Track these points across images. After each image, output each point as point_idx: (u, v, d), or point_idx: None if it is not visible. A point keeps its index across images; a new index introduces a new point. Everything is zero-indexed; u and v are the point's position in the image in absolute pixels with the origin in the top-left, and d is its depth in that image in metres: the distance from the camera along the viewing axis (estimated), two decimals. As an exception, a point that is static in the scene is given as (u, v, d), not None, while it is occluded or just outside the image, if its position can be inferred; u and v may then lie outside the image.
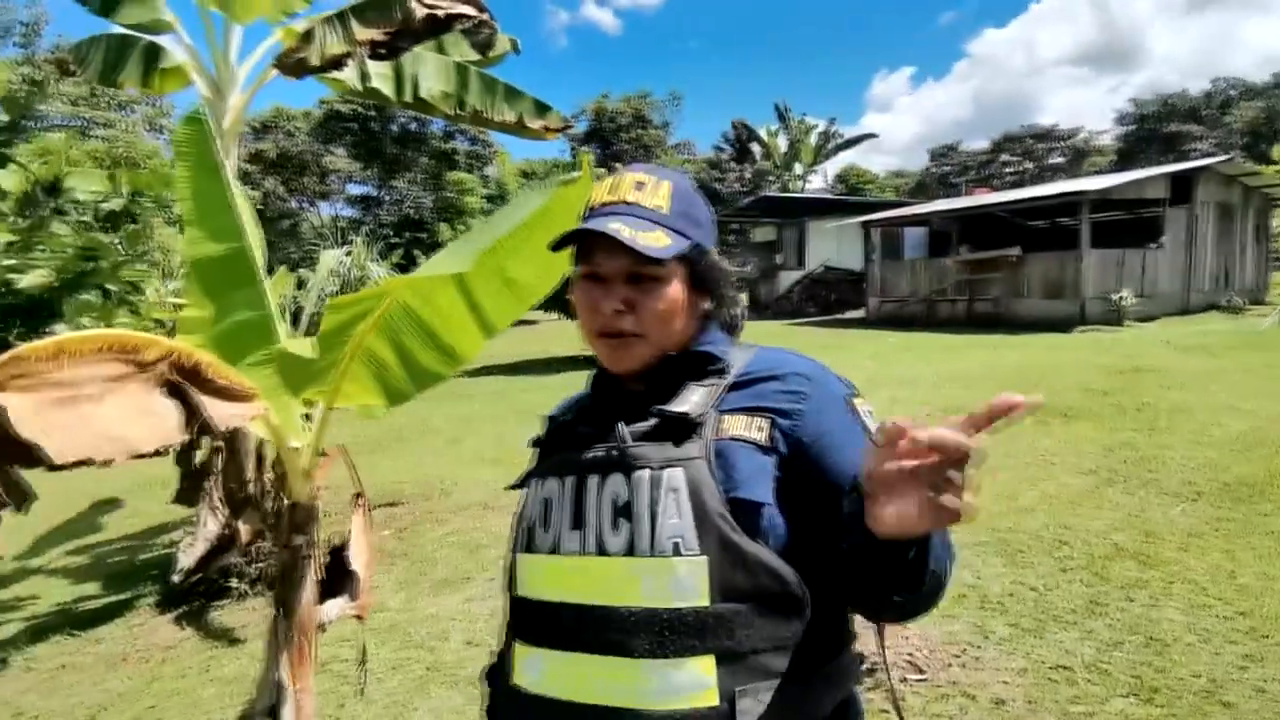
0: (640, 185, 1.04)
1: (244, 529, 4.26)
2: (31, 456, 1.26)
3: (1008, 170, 50.41)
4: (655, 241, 0.97)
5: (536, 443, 1.13)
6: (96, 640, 3.87)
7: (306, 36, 4.59)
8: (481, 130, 35.18)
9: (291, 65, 4.62)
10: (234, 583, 4.24)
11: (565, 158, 40.35)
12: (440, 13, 4.20)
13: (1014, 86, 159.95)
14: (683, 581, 0.87)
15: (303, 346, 1.73)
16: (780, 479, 0.93)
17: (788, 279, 24.69)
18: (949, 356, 11.43)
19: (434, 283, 1.63)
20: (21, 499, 1.26)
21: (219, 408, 1.63)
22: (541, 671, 0.96)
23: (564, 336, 16.80)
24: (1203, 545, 3.98)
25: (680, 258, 1.01)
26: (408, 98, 5.18)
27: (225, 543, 4.27)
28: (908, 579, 0.82)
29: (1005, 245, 17.80)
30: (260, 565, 4.34)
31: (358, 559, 2.17)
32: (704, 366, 1.03)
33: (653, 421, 0.97)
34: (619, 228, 0.96)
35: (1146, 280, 16.44)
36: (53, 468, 1.28)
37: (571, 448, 1.03)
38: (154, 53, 4.74)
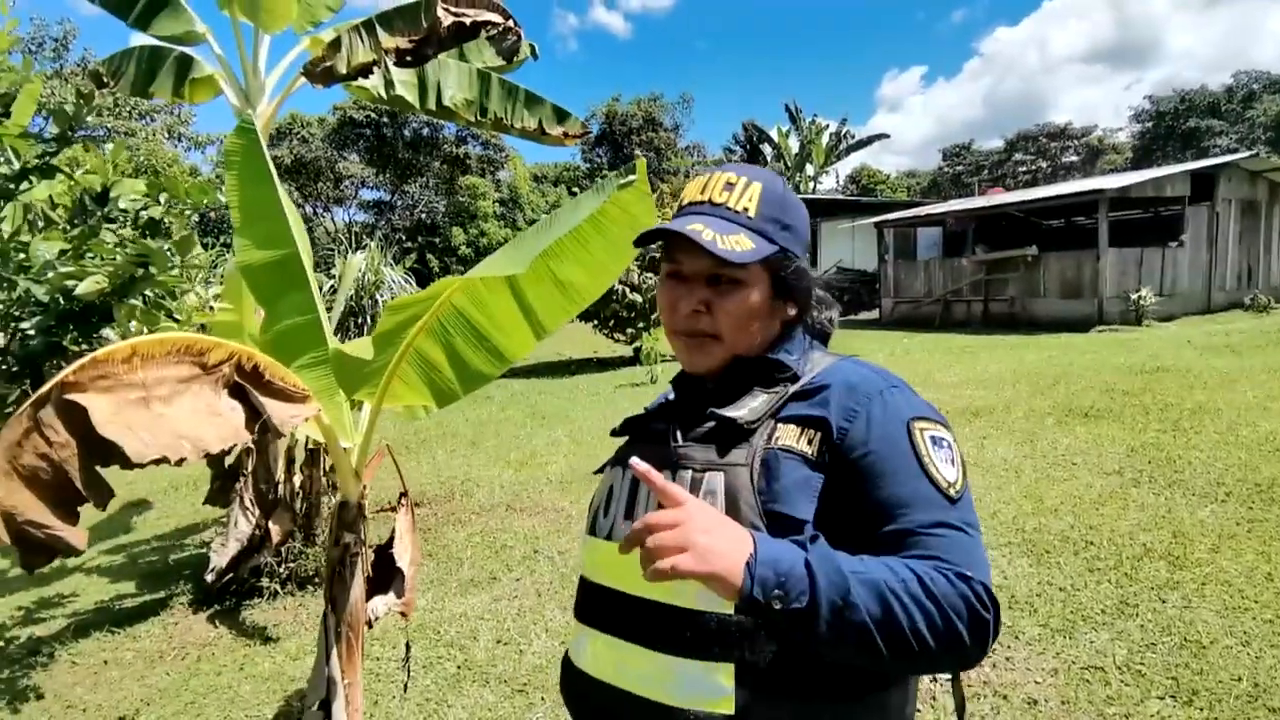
0: (730, 186, 1.03)
1: (275, 529, 4.31)
2: (111, 455, 1.31)
3: (1021, 169, 50.14)
4: (736, 245, 0.96)
5: (617, 432, 1.16)
6: (135, 637, 3.95)
7: (334, 45, 4.66)
8: (494, 135, 35.38)
9: (319, 74, 4.69)
10: (265, 582, 4.30)
11: (576, 161, 40.50)
12: (467, 20, 4.25)
13: (1026, 85, 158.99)
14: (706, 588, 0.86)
15: (359, 348, 1.77)
16: (824, 496, 0.90)
17: (801, 280, 24.61)
18: (966, 358, 11.37)
19: (487, 284, 1.66)
20: (103, 496, 1.30)
21: (278, 409, 1.67)
22: (590, 651, 1.00)
23: (578, 339, 16.87)
24: (1236, 547, 3.96)
25: (764, 262, 1.00)
26: (431, 105, 5.24)
27: (257, 543, 4.33)
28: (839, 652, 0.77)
29: (1021, 245, 17.70)
30: (291, 565, 4.40)
31: (403, 557, 2.21)
32: (773, 373, 1.02)
33: (710, 424, 0.97)
34: (700, 228, 0.96)
35: (1166, 279, 16.31)
36: (130, 466, 1.32)
37: (644, 441, 1.07)
38: (185, 64, 4.83)
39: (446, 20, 4.24)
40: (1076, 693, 2.85)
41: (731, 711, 0.85)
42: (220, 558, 4.19)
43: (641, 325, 13.94)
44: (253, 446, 4.43)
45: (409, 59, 4.35)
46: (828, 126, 36.04)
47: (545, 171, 39.68)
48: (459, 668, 3.49)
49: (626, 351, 15.10)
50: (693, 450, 0.95)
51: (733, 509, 0.88)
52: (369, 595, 2.11)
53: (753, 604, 0.73)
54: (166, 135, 22.82)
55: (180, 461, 1.38)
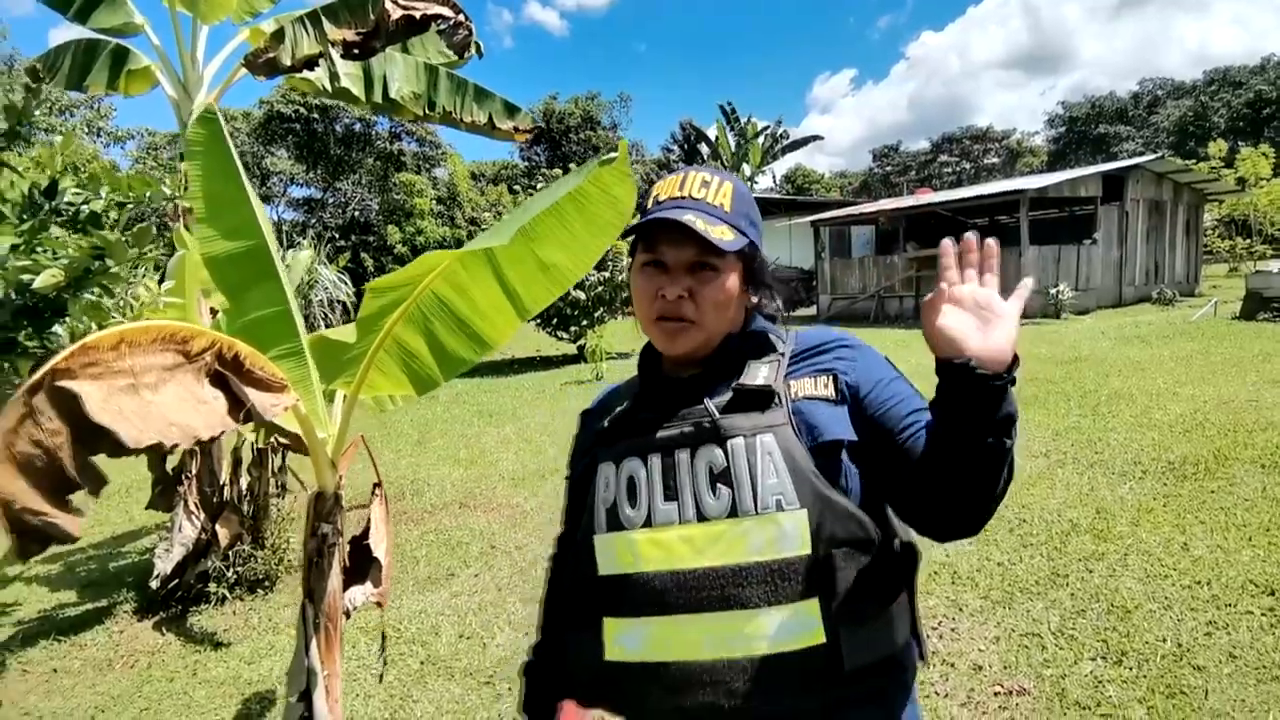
0: (705, 184, 1.11)
1: (222, 533, 4.20)
2: (105, 441, 1.30)
3: (947, 170, 52.04)
4: (722, 235, 1.05)
5: (599, 434, 1.15)
6: (81, 645, 3.80)
7: (277, 36, 4.56)
8: (430, 132, 34.75)
9: (261, 65, 4.59)
10: (213, 587, 4.18)
11: (515, 160, 40.16)
12: (417, 13, 4.22)
13: (950, 89, 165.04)
14: (788, 533, 0.96)
15: (342, 334, 1.77)
16: (853, 423, 1.02)
17: (740, 278, 24.99)
18: (902, 351, 11.78)
19: (469, 269, 1.68)
20: (96, 483, 1.30)
21: (259, 398, 1.67)
22: (646, 640, 1.00)
23: (520, 337, 16.75)
24: (1154, 520, 4.26)
25: (737, 253, 1.09)
26: (378, 98, 5.17)
27: (203, 547, 4.21)
28: (993, 427, 0.89)
29: (949, 243, 18.40)
30: (239, 569, 4.29)
31: (379, 546, 2.21)
32: (761, 347, 1.12)
33: (728, 396, 1.05)
34: (693, 219, 1.04)
35: (1082, 275, 17.23)
36: (124, 453, 1.32)
37: (640, 432, 1.09)
38: (121, 55, 4.65)
39: (395, 13, 4.21)
40: (1017, 658, 3.04)
41: (824, 639, 0.94)
42: (165, 563, 4.06)
43: (585, 323, 13.96)
44: (197, 448, 4.31)
45: (356, 51, 4.29)
46: (767, 128, 36.68)
47: (484, 169, 39.20)
48: (422, 663, 3.48)
49: (570, 349, 15.09)
50: (736, 419, 1.02)
51: (790, 461, 0.98)
52: (345, 586, 2.12)
53: (1009, 368, 0.89)
54: (85, 130, 21.69)
55: (174, 447, 1.39)
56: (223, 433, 1.53)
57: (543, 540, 4.95)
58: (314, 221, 33.25)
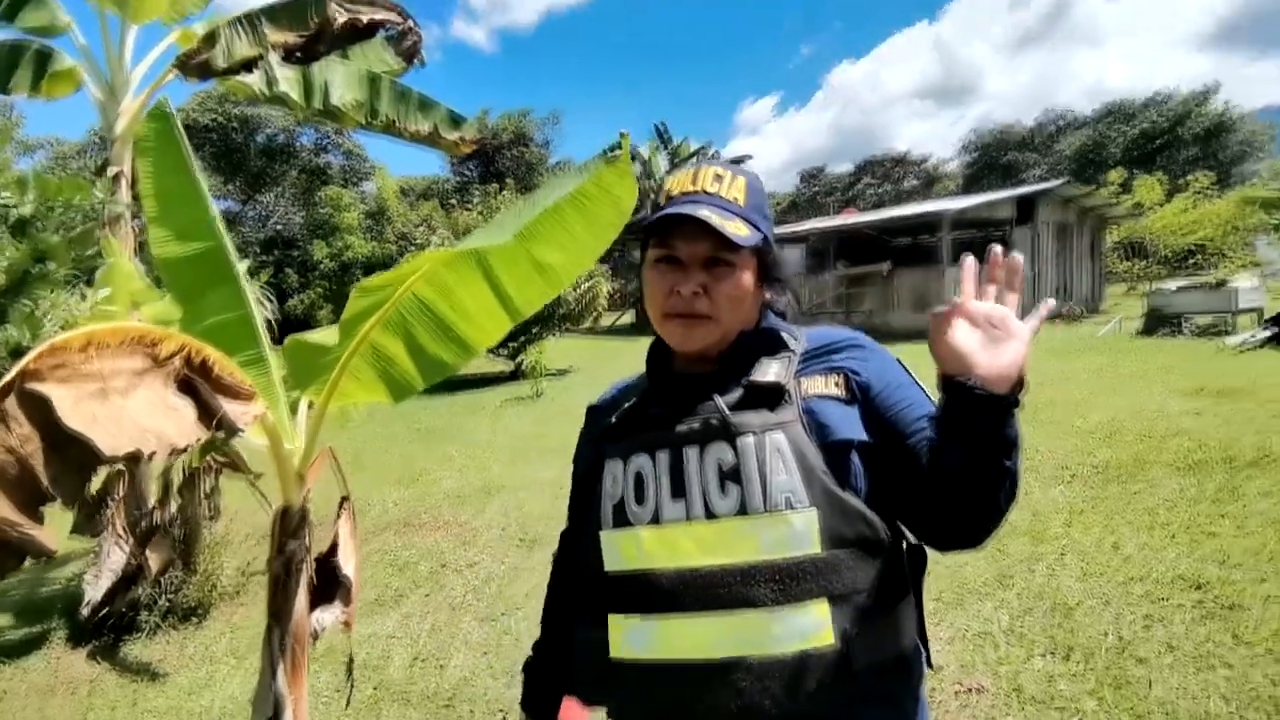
0: (719, 178, 1.09)
1: (153, 559, 3.95)
2: (79, 449, 1.21)
3: (869, 192, 53.93)
4: (737, 230, 1.03)
5: (607, 429, 1.13)
6: (25, 670, 3.61)
7: (210, 38, 4.40)
8: (357, 145, 33.96)
9: (194, 67, 4.41)
10: (144, 616, 3.93)
11: (445, 175, 39.60)
12: (363, 19, 4.13)
13: (868, 116, 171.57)
14: (798, 532, 0.94)
15: (324, 335, 1.69)
16: (863, 422, 1.01)
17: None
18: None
19: (456, 271, 1.63)
20: (69, 493, 1.21)
21: (230, 406, 1.59)
22: (652, 638, 0.98)
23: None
24: (1085, 521, 4.48)
25: (752, 249, 1.07)
26: (317, 105, 5.01)
27: (132, 574, 3.95)
28: (993, 449, 0.90)
29: (876, 261, 19.10)
30: (172, 597, 4.04)
31: (348, 564, 2.12)
32: (773, 344, 1.10)
33: (738, 393, 1.03)
34: (708, 214, 1.02)
35: (999, 293, 18.06)
36: (101, 462, 1.23)
37: (649, 428, 1.07)
38: (45, 56, 4.38)
39: (341, 17, 4.10)
40: (973, 657, 3.13)
41: (833, 640, 0.93)
42: (94, 591, 3.78)
43: (523, 339, 13.82)
44: (123, 470, 4.06)
45: (298, 55, 4.16)
46: (699, 148, 37.33)
47: (413, 185, 38.49)
48: (375, 688, 3.35)
49: (505, 367, 14.89)
50: (746, 417, 1.00)
51: (800, 459, 0.96)
52: (311, 607, 2.01)
53: (1013, 390, 0.90)
54: (-14, 137, 20.31)
55: (151, 455, 1.30)
56: (198, 440, 1.45)
57: (495, 558, 4.84)
58: (232, 235, 31.91)
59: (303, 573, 1.95)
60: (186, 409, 1.50)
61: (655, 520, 1.01)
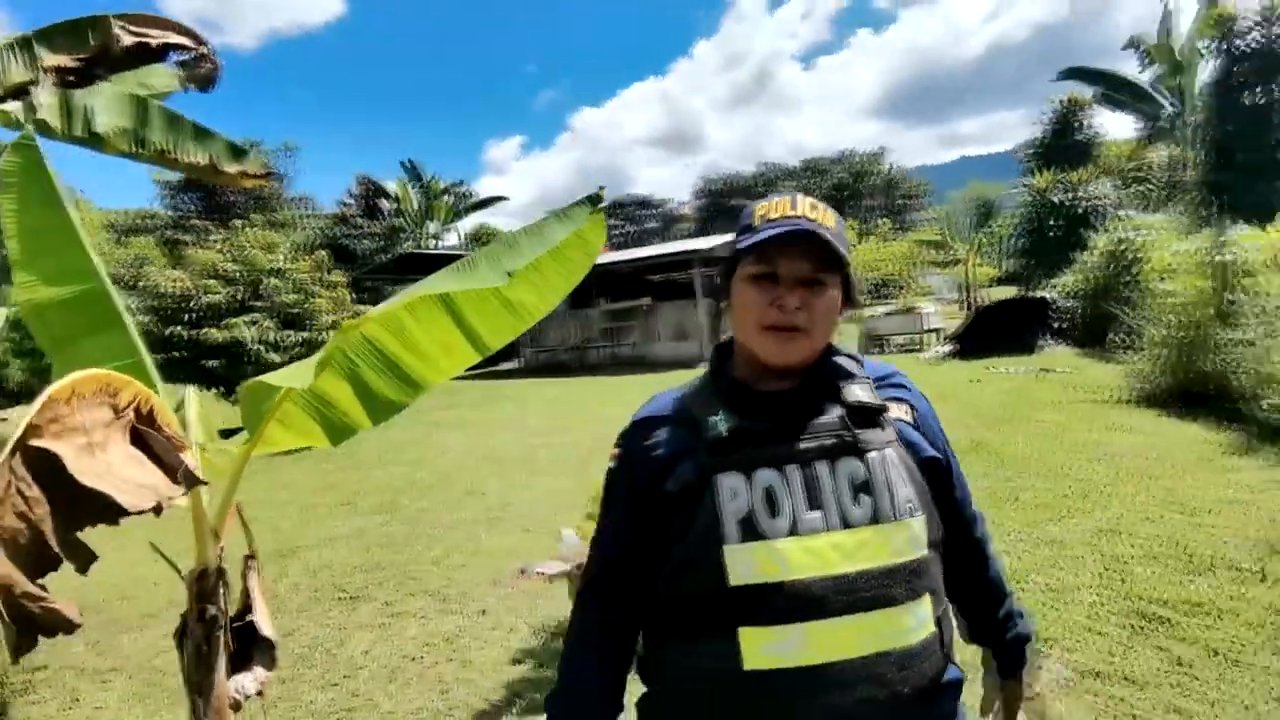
0: (814, 206, 1.17)
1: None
2: (98, 507, 1.13)
3: (616, 232, 56.94)
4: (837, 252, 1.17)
5: (714, 444, 1.13)
6: None
7: (-27, 63, 3.72)
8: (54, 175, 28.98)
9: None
10: None
11: (158, 208, 34.99)
12: (152, 41, 3.76)
13: (611, 159, 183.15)
14: (916, 536, 1.08)
15: (286, 376, 1.58)
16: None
17: (438, 335, 24.61)
18: (615, 395, 12.71)
19: (414, 309, 1.65)
20: (82, 558, 1.12)
21: (177, 459, 1.50)
22: (804, 644, 1.03)
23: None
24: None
25: (842, 272, 1.17)
26: (79, 132, 4.37)
27: None
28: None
29: (635, 297, 20.32)
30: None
31: (265, 624, 1.96)
32: (845, 365, 1.21)
33: (840, 411, 1.14)
34: (827, 235, 1.14)
35: (744, 323, 20.10)
36: (118, 518, 1.16)
37: (763, 442, 1.11)
38: None
39: (126, 39, 3.70)
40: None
41: (935, 629, 1.10)
42: None
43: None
44: None
45: (73, 79, 3.67)
46: (452, 186, 36.89)
47: (118, 219, 33.50)
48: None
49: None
50: (866, 434, 1.11)
51: (910, 473, 1.12)
52: (230, 673, 1.85)
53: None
54: None
55: (158, 510, 1.24)
56: (185, 494, 1.37)
57: (315, 621, 4.51)
58: None
59: (221, 639, 1.81)
60: (147, 462, 1.40)
61: (793, 531, 1.05)
